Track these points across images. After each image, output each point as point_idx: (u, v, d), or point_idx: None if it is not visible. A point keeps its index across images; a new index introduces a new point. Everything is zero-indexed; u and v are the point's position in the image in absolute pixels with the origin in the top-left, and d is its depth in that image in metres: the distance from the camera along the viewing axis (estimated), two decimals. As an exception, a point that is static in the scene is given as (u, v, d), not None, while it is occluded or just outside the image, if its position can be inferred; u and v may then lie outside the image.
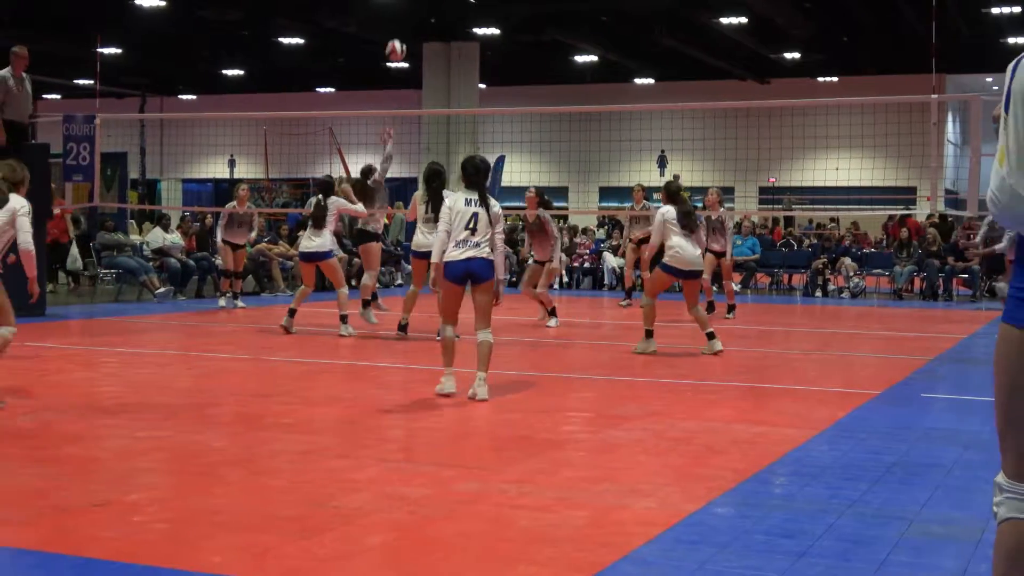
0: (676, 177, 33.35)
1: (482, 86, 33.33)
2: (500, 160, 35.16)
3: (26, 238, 8.03)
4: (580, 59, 34.49)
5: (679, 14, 28.42)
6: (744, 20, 28.30)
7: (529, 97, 36.82)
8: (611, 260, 23.12)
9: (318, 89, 40.52)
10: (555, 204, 40.07)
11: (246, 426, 7.56)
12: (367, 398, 8.76)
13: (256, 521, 5.00)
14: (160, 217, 20.87)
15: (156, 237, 19.62)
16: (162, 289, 18.07)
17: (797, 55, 33.05)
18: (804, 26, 29.60)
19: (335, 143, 22.78)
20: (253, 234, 17.42)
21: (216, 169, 43.87)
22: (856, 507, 5.39)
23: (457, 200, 8.60)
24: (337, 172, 23.73)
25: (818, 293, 21.89)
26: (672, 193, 11.79)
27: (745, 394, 9.15)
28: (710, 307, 16.07)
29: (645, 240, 18.34)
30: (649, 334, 11.68)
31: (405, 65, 34.82)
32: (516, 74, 37.07)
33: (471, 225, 8.47)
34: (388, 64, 34.30)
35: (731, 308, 16.40)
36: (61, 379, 9.65)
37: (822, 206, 34.88)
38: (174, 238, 19.67)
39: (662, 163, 37.78)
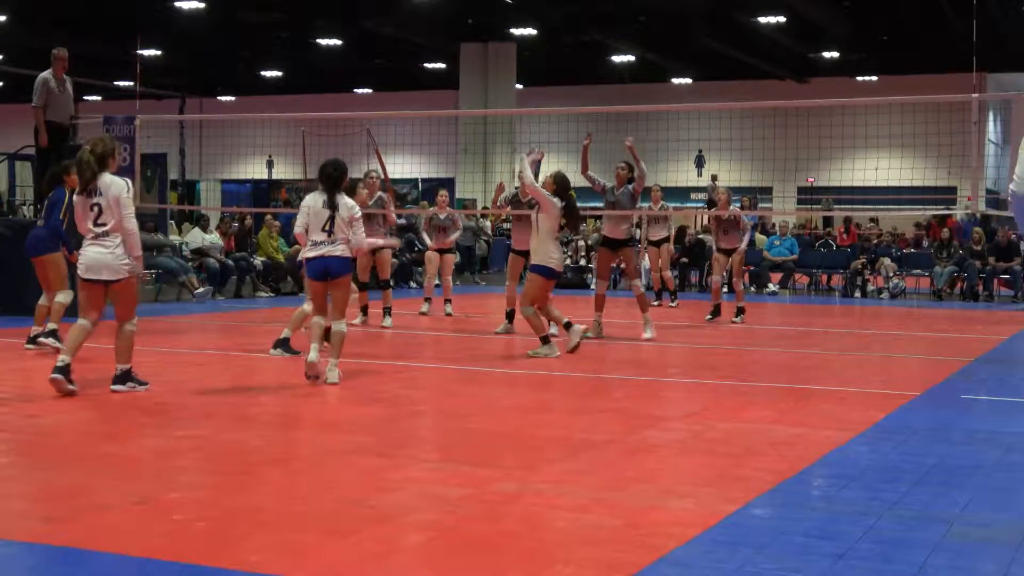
0: (714, 178, 33.29)
1: (519, 86, 33.35)
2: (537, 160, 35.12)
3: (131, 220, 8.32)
4: (617, 59, 34.43)
5: (717, 14, 28.33)
6: (783, 19, 28.18)
7: (566, 97, 36.75)
8: (647, 261, 23.04)
9: (356, 90, 40.67)
10: (591, 205, 40.12)
11: (284, 425, 7.60)
12: (405, 398, 8.78)
13: (294, 520, 5.03)
14: (199, 218, 21.00)
15: (195, 237, 19.74)
16: (201, 289, 18.17)
17: (836, 54, 32.87)
18: (843, 25, 29.41)
19: (373, 144, 22.77)
20: (455, 235, 16.96)
21: (255, 170, 44.10)
22: (895, 509, 5.36)
23: (316, 201, 9.25)
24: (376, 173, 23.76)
25: (857, 294, 21.75)
26: (560, 186, 11.54)
27: (784, 395, 9.10)
28: (716, 311, 15.49)
29: (664, 240, 18.35)
30: (546, 339, 11.26)
31: (442, 65, 34.99)
32: (553, 74, 37.06)
33: (327, 227, 9.15)
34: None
35: (739, 311, 15.53)
36: (101, 378, 9.72)
37: (861, 206, 34.63)
38: (213, 238, 19.78)
39: (700, 163, 37.67)
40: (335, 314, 9.29)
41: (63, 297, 10.72)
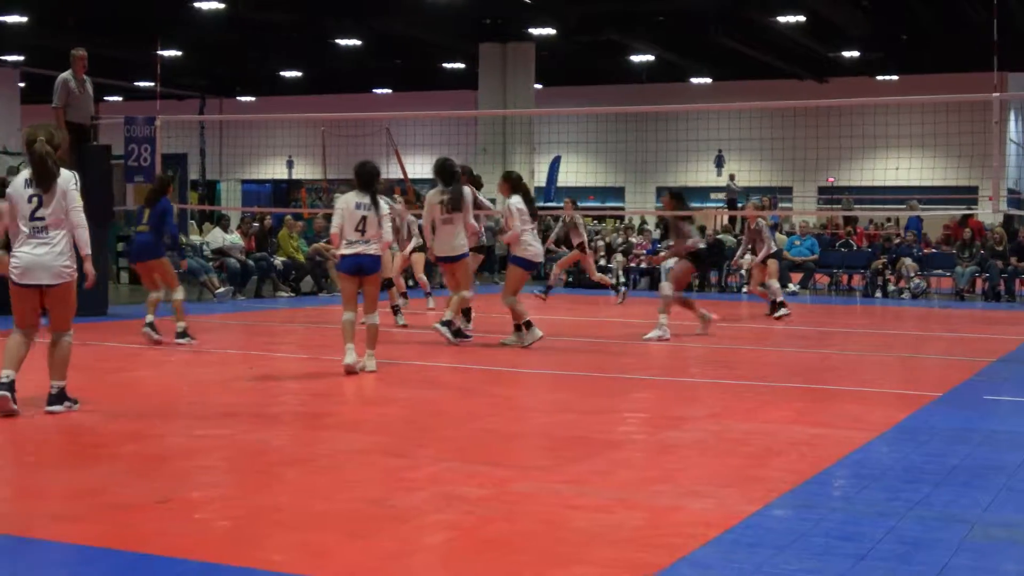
0: (732, 177, 33.24)
1: (538, 86, 33.33)
2: (556, 160, 35.14)
3: (79, 213, 7.48)
4: (636, 59, 34.37)
5: (736, 13, 28.24)
6: (802, 19, 28.06)
7: (585, 97, 36.74)
8: (669, 260, 23.02)
9: (375, 90, 40.72)
10: (610, 204, 40.19)
11: (305, 425, 7.62)
12: (424, 398, 8.79)
13: (315, 519, 5.04)
14: (220, 218, 21.06)
15: (216, 237, 19.80)
16: (222, 289, 18.22)
17: (856, 54, 32.73)
18: (862, 24, 29.30)
19: (392, 144, 22.86)
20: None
21: (275, 170, 44.20)
22: (917, 510, 5.34)
23: (349, 202, 9.74)
24: (395, 173, 23.81)
25: (878, 294, 21.68)
26: (515, 183, 12.17)
27: (804, 396, 9.08)
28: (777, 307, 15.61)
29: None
30: (519, 328, 11.96)
31: (461, 65, 35.01)
32: (572, 74, 37.02)
33: (360, 227, 9.65)
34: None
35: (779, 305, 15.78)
36: (123, 378, 9.78)
37: (881, 206, 34.51)
38: (234, 238, 19.84)
39: (719, 163, 37.60)
40: (368, 308, 9.92)
41: (180, 294, 11.94)
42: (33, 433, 7.04)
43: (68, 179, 7.47)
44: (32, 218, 7.35)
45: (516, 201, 11.94)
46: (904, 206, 25.81)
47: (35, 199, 7.37)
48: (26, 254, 7.34)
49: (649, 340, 12.70)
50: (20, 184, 7.44)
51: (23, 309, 7.49)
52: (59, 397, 7.56)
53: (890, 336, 14.65)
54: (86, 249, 7.48)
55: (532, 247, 12.00)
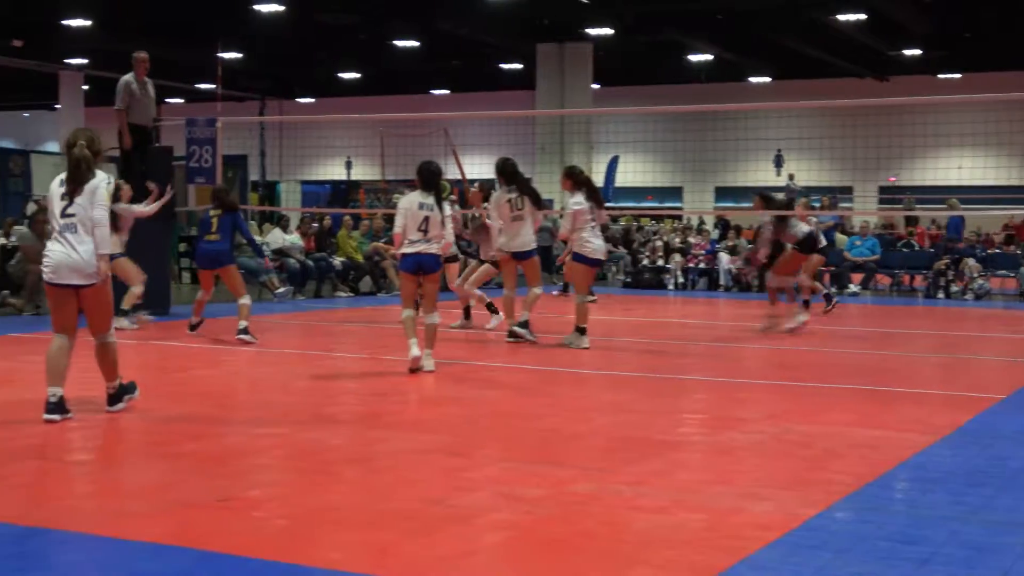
0: (791, 177, 32.98)
1: (595, 86, 33.27)
2: (614, 161, 35.07)
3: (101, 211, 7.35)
4: (695, 58, 34.19)
5: (796, 11, 28.01)
6: (862, 17, 27.77)
7: (643, 97, 36.62)
8: (726, 261, 22.90)
9: (433, 91, 40.84)
10: (668, 204, 40.00)
11: (363, 424, 7.66)
12: (483, 398, 8.80)
13: (374, 518, 5.06)
14: (280, 218, 21.21)
15: (276, 238, 19.94)
16: (281, 289, 18.36)
17: (918, 52, 32.34)
18: (924, 22, 28.96)
19: (450, 144, 22.89)
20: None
21: (334, 171, 44.47)
22: (980, 514, 5.27)
23: (412, 202, 9.75)
24: (453, 173, 23.87)
25: (940, 295, 21.41)
26: (577, 178, 12.13)
27: (865, 397, 8.98)
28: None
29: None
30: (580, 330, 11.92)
31: (518, 66, 35.01)
32: (630, 74, 36.90)
33: (423, 227, 9.69)
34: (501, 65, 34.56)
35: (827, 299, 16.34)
36: (184, 376, 9.88)
37: (943, 206, 34.12)
38: (293, 239, 19.98)
39: (778, 162, 37.32)
40: (428, 307, 9.89)
41: (247, 299, 12.32)
42: (98, 432, 7.12)
43: (100, 179, 7.43)
44: (63, 215, 7.33)
45: (574, 202, 11.88)
46: (944, 206, 25.40)
47: (66, 197, 7.36)
48: (57, 252, 7.30)
49: (790, 329, 13.54)
50: (56, 184, 7.50)
51: (60, 311, 7.43)
52: (117, 396, 7.62)
53: (952, 338, 14.46)
54: (101, 249, 7.35)
55: (590, 244, 11.83)
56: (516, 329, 12.10)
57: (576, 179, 12.10)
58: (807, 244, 13.87)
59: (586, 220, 11.78)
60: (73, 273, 7.27)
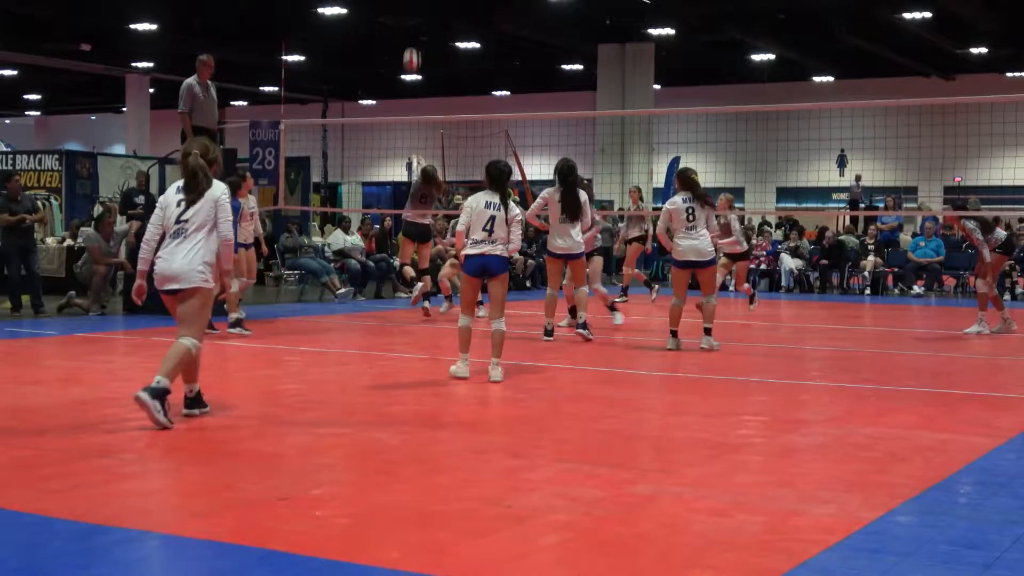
0: (858, 178, 32.63)
1: (657, 87, 33.16)
2: (675, 161, 34.93)
3: (227, 225, 7.54)
4: (757, 58, 33.96)
5: (859, 9, 27.74)
6: (928, 15, 27.43)
7: (704, 97, 36.44)
8: (788, 261, 22.72)
9: (494, 92, 40.90)
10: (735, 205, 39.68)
11: (423, 424, 7.69)
12: (541, 398, 8.80)
13: (432, 518, 5.08)
14: (341, 219, 21.35)
15: (337, 239, 20.08)
16: (343, 290, 18.48)
17: (984, 50, 31.88)
18: (991, 20, 28.54)
19: (511, 145, 22.93)
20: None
21: (395, 172, 44.67)
22: (1047, 519, 5.19)
23: (478, 201, 9.46)
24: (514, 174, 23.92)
25: (1006, 296, 21.09)
26: (684, 180, 11.97)
27: (929, 400, 8.88)
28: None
29: (638, 239, 18.07)
30: (708, 331, 11.93)
31: (579, 67, 34.94)
32: (691, 74, 36.76)
33: (488, 227, 9.36)
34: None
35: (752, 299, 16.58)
36: (246, 377, 9.98)
37: (1012, 206, 33.59)
38: (355, 240, 20.11)
39: (842, 163, 36.94)
40: (494, 312, 9.48)
41: (235, 286, 12.25)
42: (162, 432, 7.19)
43: (220, 189, 7.56)
44: (177, 220, 7.44)
45: (669, 201, 12.06)
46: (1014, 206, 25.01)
47: (183, 203, 7.47)
48: (163, 260, 7.38)
49: (968, 334, 13.77)
50: (172, 191, 7.64)
51: (173, 312, 7.57)
52: (196, 400, 7.60)
53: (1019, 339, 14.24)
54: (226, 265, 7.58)
55: (678, 245, 11.70)
56: (580, 331, 12.46)
57: (681, 180, 12.01)
58: (1007, 247, 14.32)
59: (680, 221, 11.67)
60: (173, 282, 7.37)
